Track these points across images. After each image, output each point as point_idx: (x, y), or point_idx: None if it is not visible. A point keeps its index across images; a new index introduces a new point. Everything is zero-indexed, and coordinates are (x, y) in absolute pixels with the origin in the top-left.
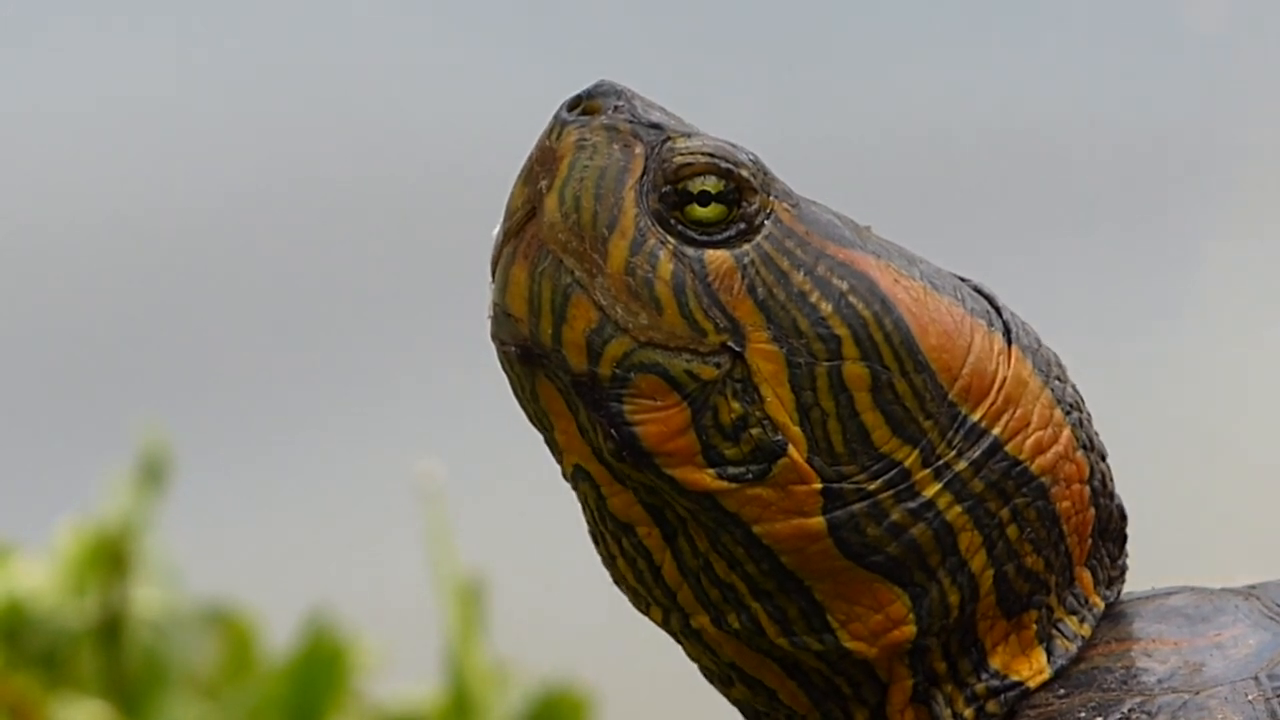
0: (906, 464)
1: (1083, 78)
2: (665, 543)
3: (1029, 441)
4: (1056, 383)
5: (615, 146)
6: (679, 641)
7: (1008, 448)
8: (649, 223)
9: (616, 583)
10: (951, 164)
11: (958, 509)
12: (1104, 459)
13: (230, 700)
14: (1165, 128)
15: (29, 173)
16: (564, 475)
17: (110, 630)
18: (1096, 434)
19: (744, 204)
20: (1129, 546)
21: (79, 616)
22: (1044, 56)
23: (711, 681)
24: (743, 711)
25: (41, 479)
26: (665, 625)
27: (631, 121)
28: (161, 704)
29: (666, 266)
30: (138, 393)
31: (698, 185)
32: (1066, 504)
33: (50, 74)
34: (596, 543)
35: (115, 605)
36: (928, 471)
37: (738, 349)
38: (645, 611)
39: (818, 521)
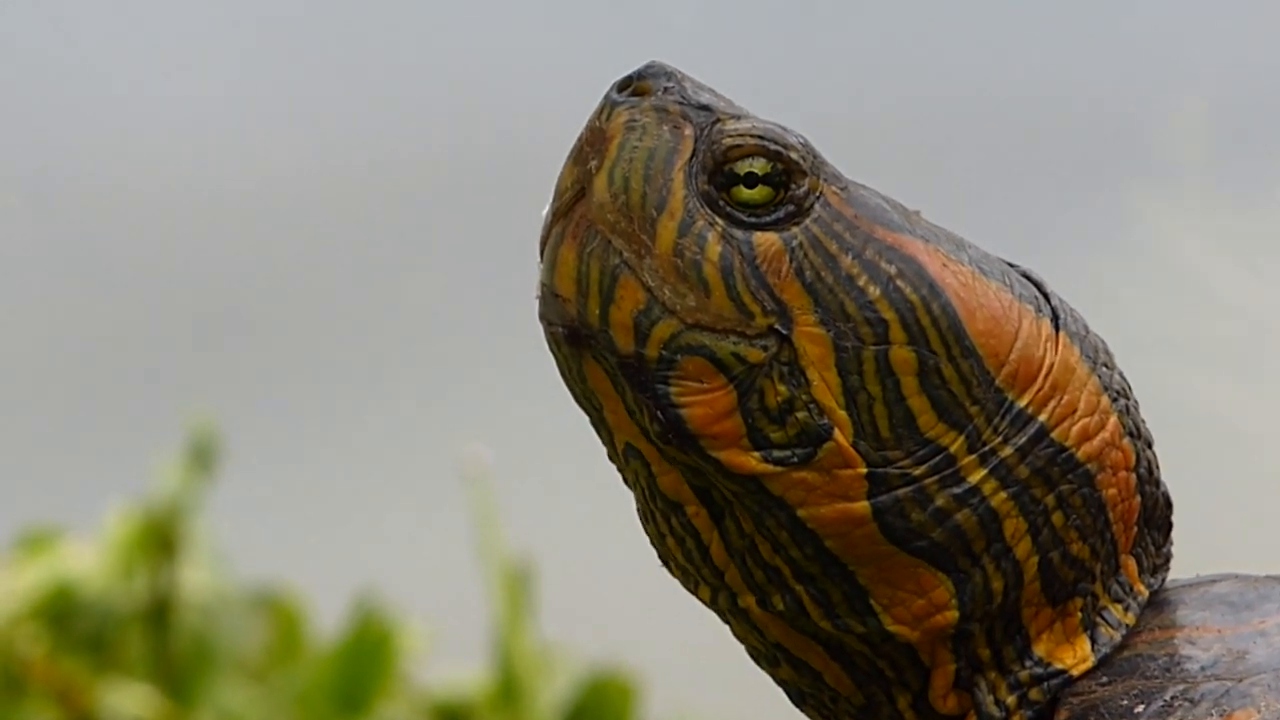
0: (952, 449)
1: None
2: (713, 523)
3: (1075, 428)
4: (1104, 369)
5: (665, 128)
6: (726, 621)
7: (1054, 434)
8: (698, 204)
9: (664, 562)
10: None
11: (1003, 495)
12: (1150, 446)
13: (278, 684)
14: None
15: (84, 158)
16: (609, 456)
17: (158, 614)
18: (1142, 421)
19: (792, 186)
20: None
21: (127, 600)
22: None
23: (758, 662)
24: (788, 692)
25: (90, 462)
26: (713, 604)
27: (681, 103)
28: (209, 688)
29: (715, 248)
30: (186, 377)
31: (745, 167)
32: (1112, 491)
33: (113, 55)
34: (646, 521)
35: (163, 589)
36: (973, 457)
37: (785, 332)
38: (694, 590)
39: (862, 506)
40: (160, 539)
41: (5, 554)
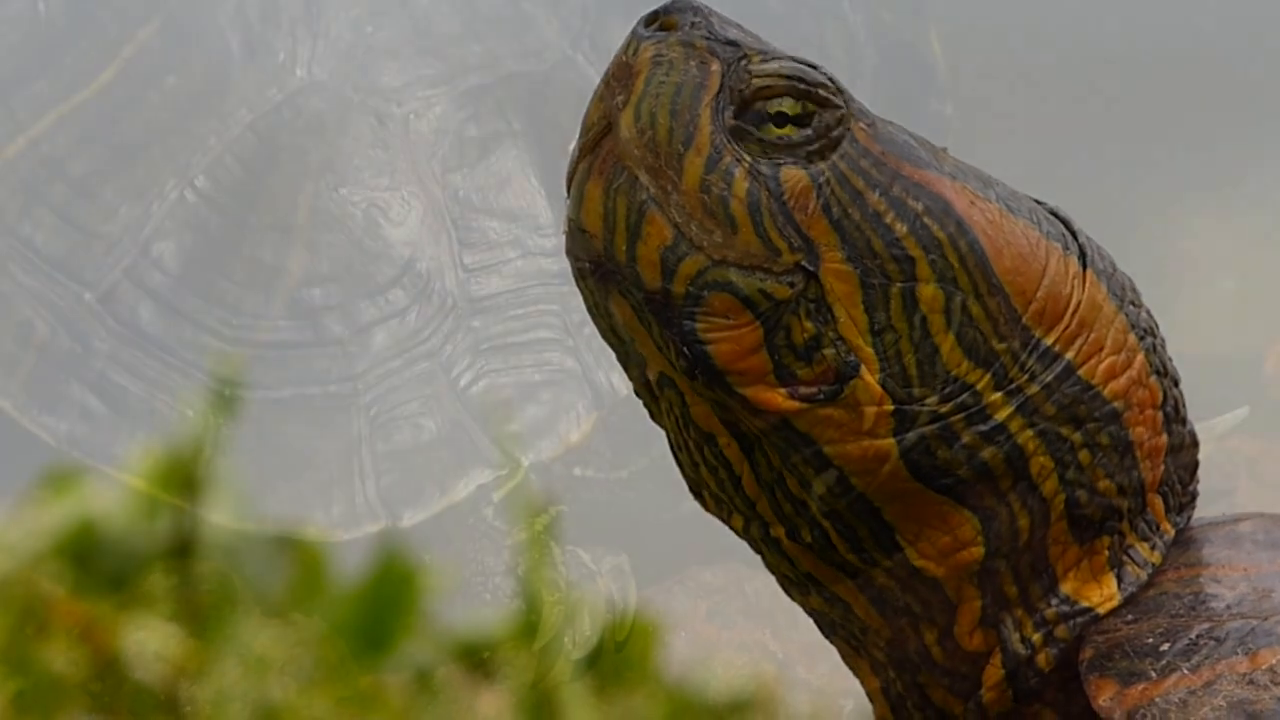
0: (979, 387)
1: None
2: (744, 454)
3: (1102, 366)
4: (1131, 307)
5: (691, 63)
6: (758, 550)
7: (1081, 372)
8: (725, 140)
9: (698, 492)
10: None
11: (1029, 433)
12: (1177, 384)
13: (301, 623)
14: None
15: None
16: (635, 391)
17: (182, 553)
18: (1170, 359)
19: (820, 123)
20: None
21: (151, 539)
22: None
23: (789, 591)
24: (818, 622)
25: (115, 402)
26: (745, 534)
27: (708, 38)
28: (232, 627)
29: (742, 185)
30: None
31: (775, 107)
32: (1139, 429)
33: None
34: (678, 451)
35: (187, 528)
36: (1000, 395)
37: (811, 269)
38: (726, 520)
39: (888, 443)
40: (184, 478)
41: (28, 492)
